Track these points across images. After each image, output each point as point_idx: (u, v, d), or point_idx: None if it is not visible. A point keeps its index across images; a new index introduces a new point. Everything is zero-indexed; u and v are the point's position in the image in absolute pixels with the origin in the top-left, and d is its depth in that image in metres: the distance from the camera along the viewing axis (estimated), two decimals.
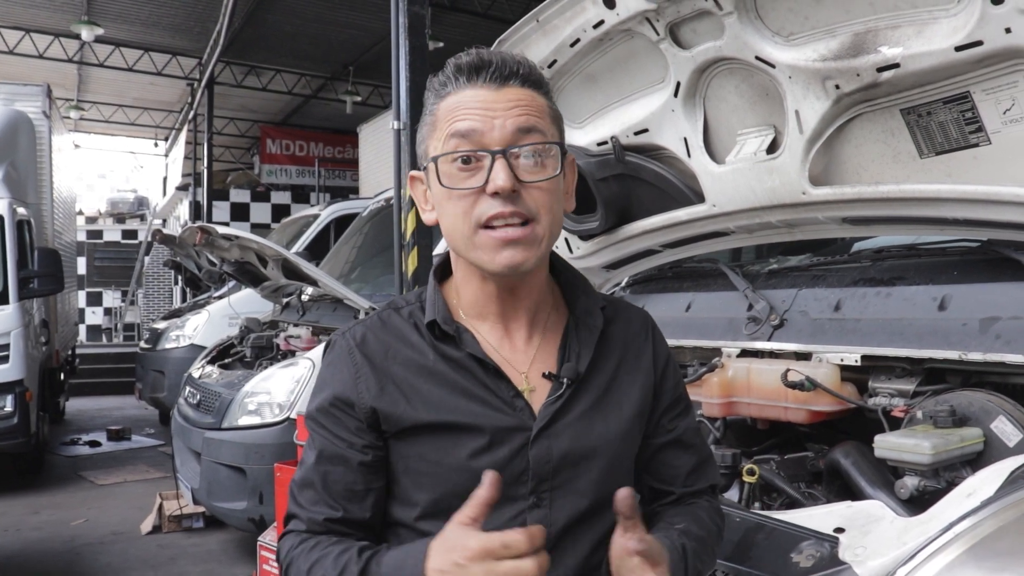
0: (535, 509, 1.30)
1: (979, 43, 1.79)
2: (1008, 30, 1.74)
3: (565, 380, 1.33)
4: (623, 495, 1.17)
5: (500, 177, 1.23)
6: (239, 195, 18.53)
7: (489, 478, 1.13)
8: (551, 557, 1.24)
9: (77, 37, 14.46)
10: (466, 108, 1.26)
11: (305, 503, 1.34)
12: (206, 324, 9.26)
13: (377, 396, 1.31)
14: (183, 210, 20.45)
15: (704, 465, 1.50)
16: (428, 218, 1.36)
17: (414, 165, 4.83)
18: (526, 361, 1.35)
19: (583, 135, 2.85)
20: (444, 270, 1.42)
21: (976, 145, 1.97)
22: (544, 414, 1.31)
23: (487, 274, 1.31)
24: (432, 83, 1.33)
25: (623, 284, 3.28)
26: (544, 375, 1.34)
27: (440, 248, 5.79)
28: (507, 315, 1.36)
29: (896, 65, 1.95)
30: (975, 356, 1.93)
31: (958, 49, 1.83)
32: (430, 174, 1.30)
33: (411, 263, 5.37)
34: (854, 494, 1.93)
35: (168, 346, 9.48)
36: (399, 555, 1.21)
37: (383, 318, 1.39)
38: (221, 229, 6.21)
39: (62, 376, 10.77)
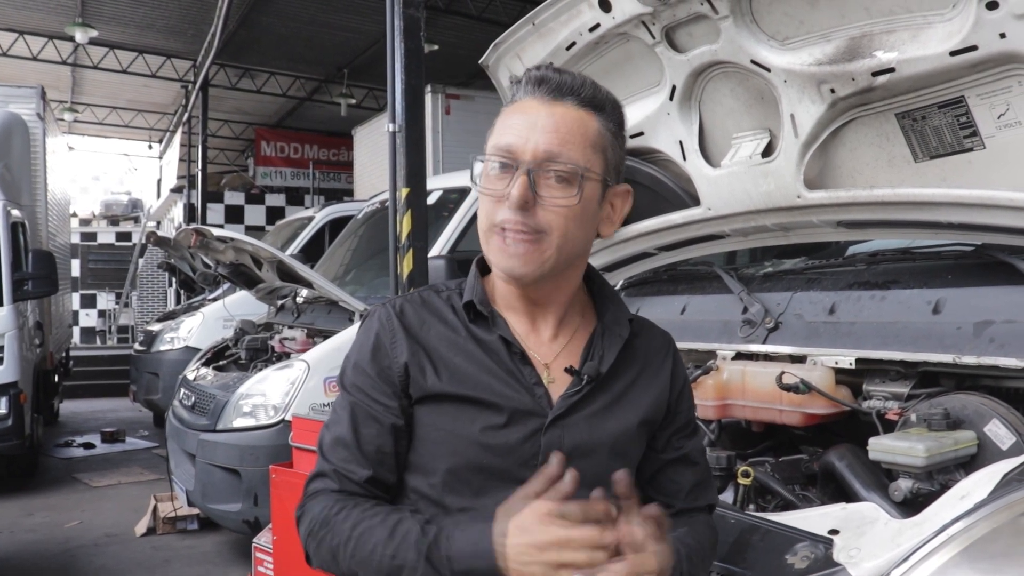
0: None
1: (974, 48, 1.80)
2: (1003, 35, 1.75)
3: (585, 376, 1.39)
4: (620, 476, 1.22)
5: (516, 187, 1.30)
6: (233, 197, 18.48)
7: (556, 457, 1.21)
8: None
9: (71, 39, 14.45)
10: (515, 122, 1.34)
11: (338, 461, 1.39)
12: (201, 326, 9.24)
13: (409, 359, 1.38)
14: (177, 212, 20.39)
15: (705, 484, 1.56)
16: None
17: (409, 167, 4.84)
18: (550, 355, 1.42)
19: None
20: (485, 264, 1.48)
21: (971, 149, 1.98)
22: (561, 404, 1.37)
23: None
24: (513, 85, 1.42)
25: (619, 287, 3.29)
26: (566, 370, 1.40)
27: (435, 250, 5.79)
28: (533, 312, 1.43)
29: (891, 69, 1.96)
30: (969, 359, 1.94)
31: (953, 54, 1.84)
32: (477, 169, 1.39)
33: (406, 266, 5.36)
34: (848, 496, 1.93)
35: (163, 348, 9.46)
36: (471, 535, 1.23)
37: (423, 296, 1.47)
38: (216, 231, 6.20)
39: (56, 378, 10.73)
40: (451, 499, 1.36)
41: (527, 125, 1.33)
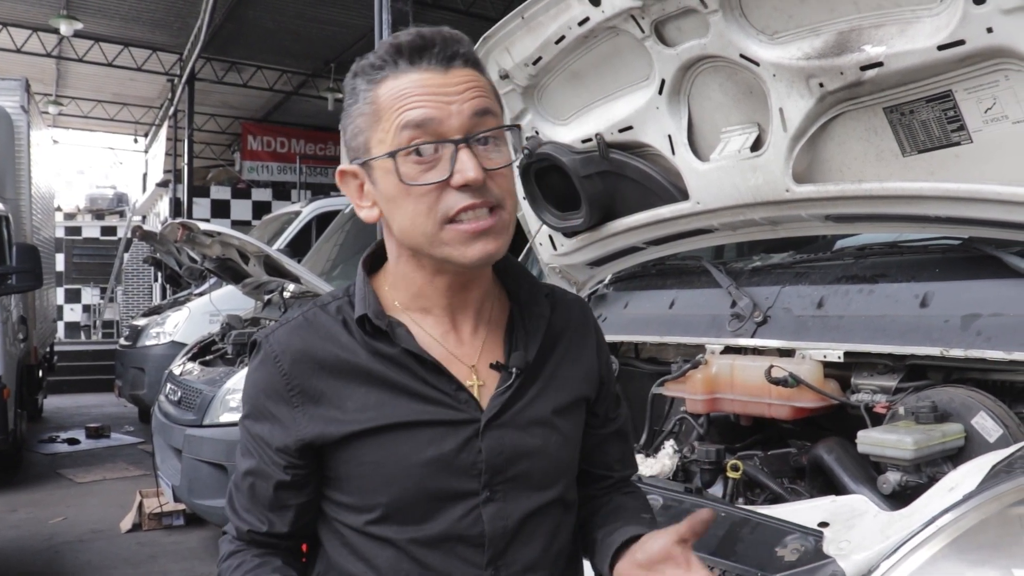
0: (489, 504, 1.25)
1: (961, 42, 1.81)
2: (990, 30, 1.76)
3: (514, 370, 1.28)
4: (705, 516, 1.17)
5: (469, 168, 1.15)
6: (220, 192, 18.39)
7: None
8: (508, 552, 1.25)
9: (56, 31, 14.33)
10: (415, 95, 1.16)
11: (238, 508, 1.31)
12: (187, 321, 9.20)
13: (310, 411, 1.24)
14: (163, 207, 20.29)
15: (632, 451, 1.55)
16: (367, 215, 1.27)
17: None
18: (474, 354, 1.30)
19: (568, 132, 2.85)
20: (374, 262, 1.35)
21: (958, 144, 1.99)
22: (493, 404, 1.26)
23: (455, 268, 1.23)
24: (362, 66, 1.22)
25: (607, 281, 3.29)
26: (492, 366, 1.29)
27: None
28: (454, 308, 1.30)
29: (879, 64, 1.96)
30: (956, 352, 1.95)
31: (941, 48, 1.85)
32: (376, 171, 1.21)
33: None
34: (837, 489, 1.94)
35: (148, 343, 9.41)
36: None
37: (308, 318, 1.30)
38: (203, 226, 6.17)
39: (40, 373, 10.66)
40: (394, 531, 1.24)
41: (435, 95, 1.16)
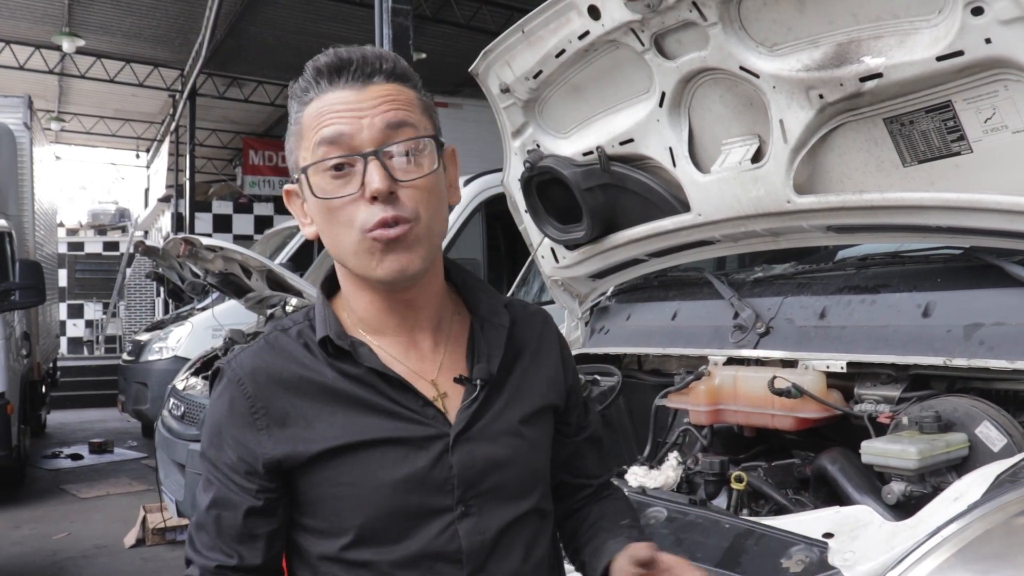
0: (464, 519, 1.24)
1: (960, 53, 1.82)
2: (988, 40, 1.76)
3: (479, 382, 1.28)
4: (643, 552, 1.23)
5: (375, 180, 1.16)
6: (221, 207, 18.43)
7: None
8: (488, 566, 1.24)
9: (58, 48, 14.42)
10: (331, 112, 1.19)
11: (201, 547, 1.26)
12: (189, 336, 9.19)
13: (277, 432, 1.22)
14: (165, 222, 20.33)
15: (607, 455, 1.55)
16: (308, 232, 1.28)
17: None
18: (434, 368, 1.29)
19: (569, 145, 2.86)
20: (332, 284, 1.34)
21: (958, 154, 1.99)
22: (461, 418, 1.25)
23: (378, 285, 1.24)
24: (294, 89, 1.25)
25: (609, 293, 3.29)
26: (456, 379, 1.28)
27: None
28: (410, 327, 1.29)
29: (879, 75, 1.97)
30: (959, 362, 1.95)
31: (939, 59, 1.86)
32: (303, 186, 1.23)
33: None
34: (841, 500, 1.94)
35: (151, 358, 9.40)
36: None
37: (270, 341, 1.29)
38: (205, 240, 6.19)
39: (43, 389, 10.66)
40: (371, 554, 1.21)
41: (348, 111, 1.18)
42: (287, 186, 1.31)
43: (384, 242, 1.18)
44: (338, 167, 1.18)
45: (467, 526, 1.24)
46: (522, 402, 1.33)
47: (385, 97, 1.20)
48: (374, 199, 1.16)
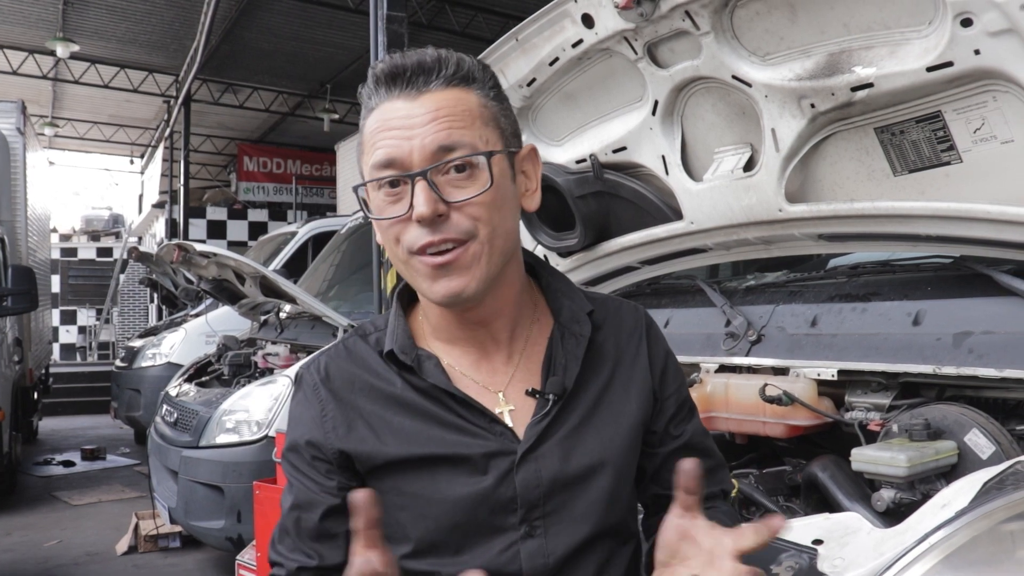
0: (528, 539, 1.19)
1: (950, 64, 1.83)
2: (977, 52, 1.78)
3: (551, 397, 1.22)
4: (688, 466, 1.07)
5: (420, 203, 1.12)
6: (216, 213, 18.43)
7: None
8: None
9: (52, 54, 14.40)
10: (385, 130, 1.16)
11: (284, 551, 1.26)
12: (183, 342, 9.19)
13: (345, 436, 1.23)
14: (159, 228, 20.32)
15: (715, 470, 1.41)
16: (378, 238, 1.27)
17: None
18: (505, 381, 1.25)
19: (562, 153, 2.87)
20: (411, 292, 1.31)
21: (948, 163, 2.01)
22: (529, 435, 1.20)
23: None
24: (360, 95, 1.23)
25: None
26: (528, 392, 1.23)
27: None
28: (481, 338, 1.26)
29: (870, 85, 1.98)
30: (949, 370, 1.96)
31: (930, 70, 1.87)
32: (363, 201, 1.23)
33: (390, 280, 5.37)
34: (831, 507, 1.95)
35: (144, 364, 9.39)
36: None
37: (348, 346, 1.30)
38: (199, 246, 6.19)
39: (35, 395, 10.63)
40: (427, 565, 1.20)
41: (400, 129, 1.15)
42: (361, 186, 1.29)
43: (432, 267, 1.15)
44: (393, 184, 1.16)
45: (530, 548, 1.19)
46: (602, 418, 1.26)
47: (438, 112, 1.15)
48: (420, 221, 1.14)
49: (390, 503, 1.19)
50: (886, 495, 1.80)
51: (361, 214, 7.68)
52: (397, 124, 1.15)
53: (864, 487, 1.94)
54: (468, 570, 1.14)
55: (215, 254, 6.11)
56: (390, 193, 1.17)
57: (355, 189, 1.22)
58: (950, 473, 1.84)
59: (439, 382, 1.21)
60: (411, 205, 1.14)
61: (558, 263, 3.14)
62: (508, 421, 1.22)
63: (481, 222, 1.16)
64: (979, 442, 1.85)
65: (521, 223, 3.03)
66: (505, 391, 1.24)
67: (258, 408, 5.20)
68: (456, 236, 1.14)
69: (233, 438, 5.17)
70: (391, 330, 1.26)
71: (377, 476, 1.22)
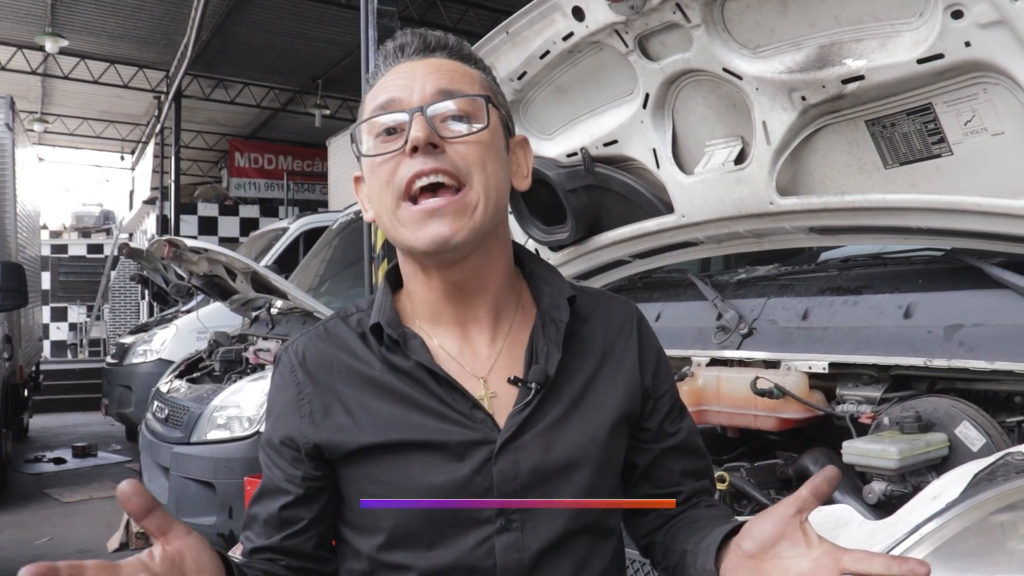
0: (504, 533, 1.15)
1: (940, 56, 1.83)
2: (968, 44, 1.78)
3: (533, 385, 1.18)
4: (830, 473, 1.04)
5: (416, 130, 1.11)
6: (207, 209, 18.37)
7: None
8: None
9: (41, 49, 14.32)
10: (387, 84, 1.18)
11: (250, 533, 1.25)
12: (174, 338, 9.17)
13: (321, 421, 1.19)
14: (150, 224, 20.24)
15: (708, 468, 1.40)
16: (367, 216, 1.25)
17: None
18: (487, 367, 1.22)
19: (553, 146, 2.87)
20: (398, 276, 1.30)
21: (939, 156, 2.01)
22: (510, 424, 1.16)
23: (426, 261, 1.18)
24: (366, 82, 1.27)
25: None
26: (510, 380, 1.19)
27: None
28: (464, 317, 1.23)
29: (860, 77, 1.98)
30: (940, 363, 1.96)
31: (920, 62, 1.87)
32: (355, 150, 1.22)
33: (381, 276, 5.36)
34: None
35: (135, 361, 9.37)
36: None
37: (328, 327, 1.28)
38: (190, 242, 6.16)
39: (26, 392, 10.59)
40: (400, 557, 1.16)
41: (405, 78, 1.17)
42: (357, 173, 1.27)
43: (423, 212, 1.13)
44: (389, 131, 1.16)
45: (505, 542, 1.15)
46: (588, 412, 1.22)
47: (441, 66, 1.19)
48: (414, 150, 1.12)
49: (363, 491, 1.18)
50: (877, 487, 1.80)
51: (353, 210, 7.68)
52: (400, 77, 1.18)
53: (855, 479, 1.94)
54: (441, 564, 1.14)
55: (206, 250, 6.09)
56: (387, 140, 1.16)
57: (351, 134, 1.22)
58: (941, 465, 1.84)
59: (423, 359, 1.18)
60: (407, 140, 1.13)
61: (549, 257, 3.14)
62: (489, 408, 1.19)
63: (476, 167, 1.14)
64: (970, 434, 1.85)
65: (512, 217, 3.04)
66: (487, 377, 1.21)
67: (249, 404, 5.19)
68: (449, 169, 1.13)
69: (224, 434, 5.16)
70: (378, 305, 1.24)
71: (350, 463, 1.19)
